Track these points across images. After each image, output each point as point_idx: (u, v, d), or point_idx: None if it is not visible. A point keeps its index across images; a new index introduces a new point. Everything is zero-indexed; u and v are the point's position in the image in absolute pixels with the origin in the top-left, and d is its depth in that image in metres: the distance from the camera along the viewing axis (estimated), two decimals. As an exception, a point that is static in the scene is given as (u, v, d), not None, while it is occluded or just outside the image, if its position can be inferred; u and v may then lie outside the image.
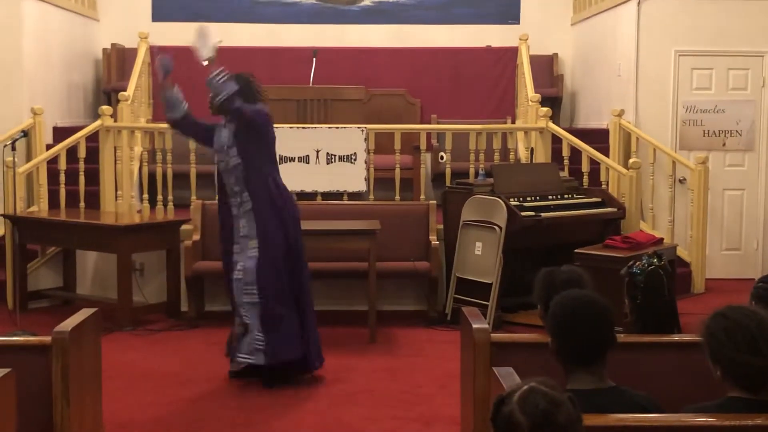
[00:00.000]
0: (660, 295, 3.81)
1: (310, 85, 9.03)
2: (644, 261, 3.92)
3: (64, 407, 3.69)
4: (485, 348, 3.69)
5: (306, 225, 6.48)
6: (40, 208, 8.49)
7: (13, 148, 7.16)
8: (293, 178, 8.02)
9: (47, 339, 3.72)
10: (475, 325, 3.76)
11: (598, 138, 9.58)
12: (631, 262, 3.93)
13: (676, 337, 3.70)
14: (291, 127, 8.29)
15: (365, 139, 8.27)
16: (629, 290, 3.83)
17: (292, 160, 8.11)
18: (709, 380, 3.39)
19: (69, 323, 3.81)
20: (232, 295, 6.10)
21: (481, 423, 3.69)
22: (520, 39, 10.38)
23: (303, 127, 8.19)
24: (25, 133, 7.57)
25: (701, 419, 2.80)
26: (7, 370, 3.17)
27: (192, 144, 8.38)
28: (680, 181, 9.10)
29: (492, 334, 3.73)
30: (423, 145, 8.58)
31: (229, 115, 5.96)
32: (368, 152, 8.31)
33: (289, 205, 6.10)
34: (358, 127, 8.25)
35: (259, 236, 5.97)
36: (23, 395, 3.43)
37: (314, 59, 9.17)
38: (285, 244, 6.01)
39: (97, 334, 4.22)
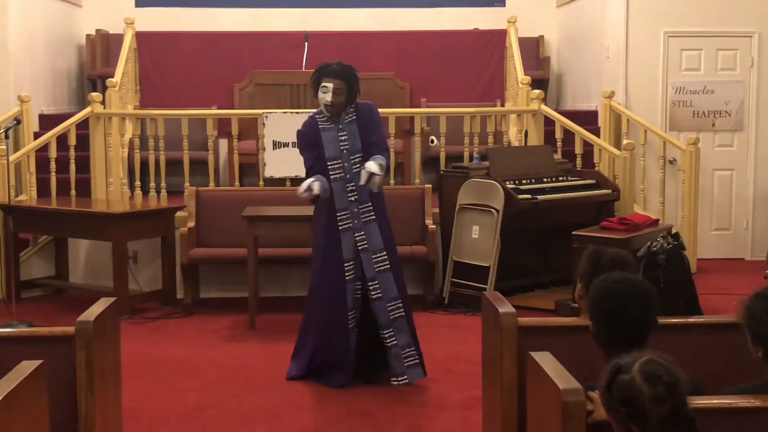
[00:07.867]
0: (683, 274, 3.79)
1: (303, 69, 8.96)
2: (661, 241, 3.87)
3: (89, 397, 3.64)
4: (512, 332, 3.67)
5: (305, 210, 6.46)
6: (30, 197, 8.38)
7: (7, 137, 7.05)
8: (288, 164, 8.01)
9: (70, 329, 3.66)
10: (501, 309, 3.75)
11: (586, 120, 9.59)
12: (648, 243, 3.88)
13: (702, 319, 3.70)
14: (285, 112, 8.23)
15: (360, 124, 8.21)
16: (649, 271, 3.78)
17: (286, 145, 8.04)
18: (737, 362, 3.41)
19: (92, 312, 3.74)
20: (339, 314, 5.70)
21: (510, 407, 3.68)
22: (509, 22, 10.36)
23: (297, 112, 8.12)
24: (19, 121, 7.45)
25: (746, 402, 2.80)
26: (38, 362, 3.12)
27: (185, 130, 8.32)
28: (670, 162, 9.14)
29: (519, 318, 3.72)
30: (417, 129, 8.54)
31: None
32: (363, 137, 8.24)
33: None
34: (353, 112, 8.20)
35: (387, 247, 5.74)
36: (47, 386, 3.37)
37: (306, 43, 9.10)
38: None
39: (116, 323, 4.17)
